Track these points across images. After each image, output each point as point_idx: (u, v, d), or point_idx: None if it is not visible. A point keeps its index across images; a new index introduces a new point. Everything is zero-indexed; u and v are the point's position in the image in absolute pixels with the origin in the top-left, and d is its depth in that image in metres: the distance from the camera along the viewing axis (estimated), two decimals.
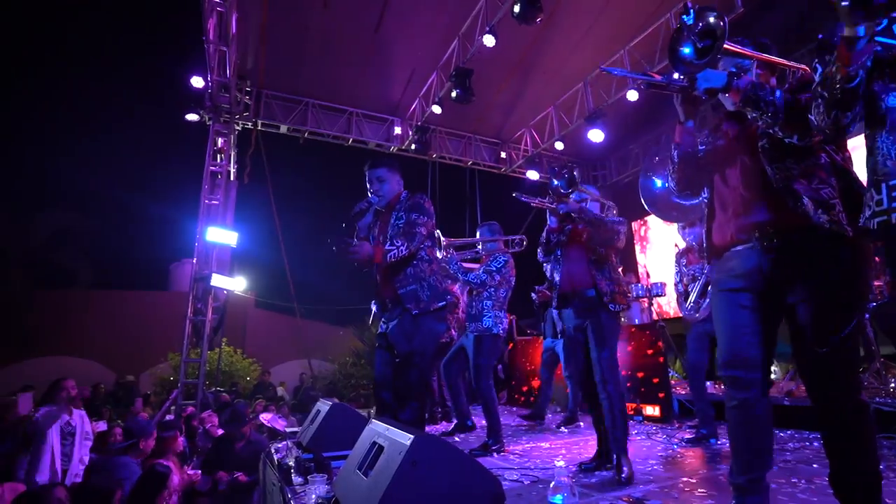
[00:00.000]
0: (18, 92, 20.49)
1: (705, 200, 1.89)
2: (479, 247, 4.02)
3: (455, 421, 4.49)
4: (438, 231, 3.70)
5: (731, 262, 1.72)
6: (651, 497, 2.18)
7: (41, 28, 19.92)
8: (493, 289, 3.73)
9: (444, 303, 2.77)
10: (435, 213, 2.92)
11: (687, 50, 1.56)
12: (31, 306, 12.71)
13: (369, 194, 2.87)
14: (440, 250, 3.65)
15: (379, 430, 1.96)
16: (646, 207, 3.19)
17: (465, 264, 4.60)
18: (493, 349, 3.70)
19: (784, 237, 1.59)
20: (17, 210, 13.21)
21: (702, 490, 2.28)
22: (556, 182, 2.89)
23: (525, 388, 6.95)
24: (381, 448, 1.79)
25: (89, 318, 13.36)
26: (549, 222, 3.06)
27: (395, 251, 2.63)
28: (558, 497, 1.23)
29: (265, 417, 6.03)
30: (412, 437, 1.58)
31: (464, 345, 3.98)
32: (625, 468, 2.49)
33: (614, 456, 2.60)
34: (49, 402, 3.73)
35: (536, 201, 3.09)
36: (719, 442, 3.43)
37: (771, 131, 1.57)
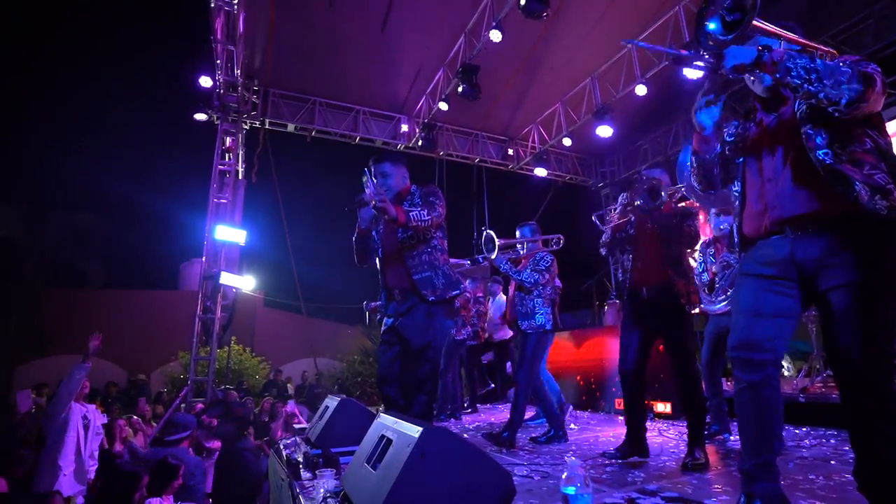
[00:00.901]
0: (31, 94, 20.76)
1: (736, 192, 1.84)
2: (520, 247, 4.04)
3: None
4: (492, 231, 3.75)
5: (762, 250, 1.69)
6: (665, 490, 2.15)
7: (51, 32, 20.16)
8: (541, 286, 3.76)
9: (458, 291, 2.75)
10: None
11: (713, 25, 1.50)
12: (45, 305, 12.84)
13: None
14: (494, 251, 3.69)
15: (387, 423, 1.93)
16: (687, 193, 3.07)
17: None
18: (544, 345, 3.75)
19: (823, 225, 1.54)
20: (31, 209, 13.34)
21: (716, 486, 2.24)
22: (639, 202, 2.87)
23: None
24: (389, 441, 1.77)
25: (101, 317, 13.47)
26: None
27: (417, 213, 2.56)
28: (571, 488, 1.20)
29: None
30: (421, 429, 1.56)
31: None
32: (698, 455, 2.56)
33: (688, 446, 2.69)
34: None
35: (611, 224, 3.08)
36: (733, 438, 3.38)
37: (814, 101, 1.48)
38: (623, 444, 2.90)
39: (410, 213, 2.54)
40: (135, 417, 5.64)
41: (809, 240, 1.56)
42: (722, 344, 3.59)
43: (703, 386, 3.65)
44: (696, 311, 2.84)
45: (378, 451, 1.81)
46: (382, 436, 1.86)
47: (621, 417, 5.00)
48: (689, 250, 2.96)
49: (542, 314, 3.67)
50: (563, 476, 1.24)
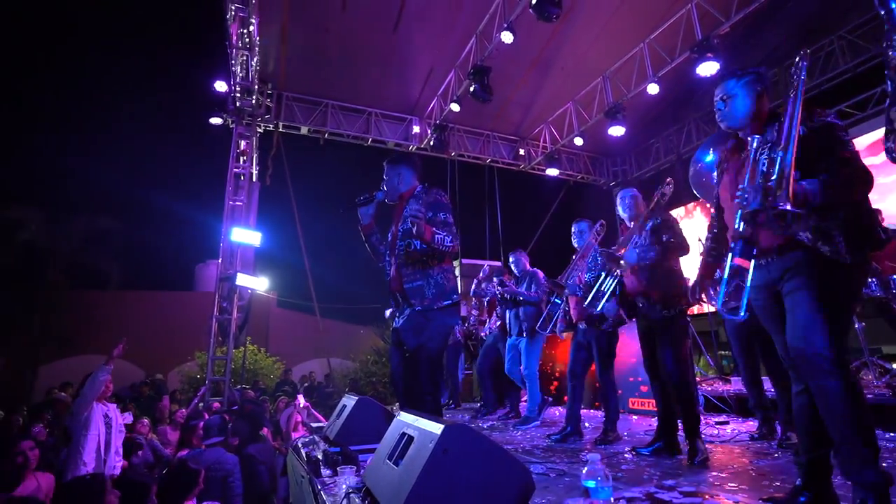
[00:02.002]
0: (51, 101, 21.21)
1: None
2: (575, 242, 4.10)
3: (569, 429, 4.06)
4: (540, 272, 4.06)
5: (756, 271, 1.85)
6: (682, 485, 2.17)
7: (68, 38, 20.57)
8: None
9: (449, 301, 2.74)
10: (453, 210, 2.93)
11: None
12: (67, 306, 13.11)
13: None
14: (565, 292, 3.93)
15: (408, 421, 1.99)
16: (694, 191, 3.15)
17: None
18: (616, 340, 3.86)
19: (782, 253, 1.77)
20: (53, 213, 13.67)
21: (732, 484, 2.26)
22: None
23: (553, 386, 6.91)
24: (410, 438, 1.82)
25: (121, 317, 13.74)
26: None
27: (442, 238, 2.63)
28: (591, 481, 1.23)
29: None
30: (443, 426, 1.60)
31: (581, 341, 3.98)
32: (700, 448, 2.69)
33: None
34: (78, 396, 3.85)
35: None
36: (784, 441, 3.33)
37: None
38: (652, 440, 3.01)
39: (436, 236, 2.61)
40: (182, 410, 5.76)
41: (775, 265, 1.79)
42: (752, 342, 3.50)
43: (746, 387, 3.61)
44: (689, 309, 2.93)
45: (400, 447, 1.86)
46: (404, 433, 1.91)
47: (635, 417, 5.05)
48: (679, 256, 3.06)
49: (612, 310, 3.77)
50: (584, 470, 1.28)
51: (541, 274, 4.89)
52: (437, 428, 1.63)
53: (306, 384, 11.50)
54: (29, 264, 13.02)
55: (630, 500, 1.98)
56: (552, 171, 10.79)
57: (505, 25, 6.71)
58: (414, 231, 2.56)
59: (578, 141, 9.81)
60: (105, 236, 14.05)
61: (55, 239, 13.43)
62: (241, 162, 8.78)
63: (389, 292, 2.86)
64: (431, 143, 9.71)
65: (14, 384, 12.06)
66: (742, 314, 1.71)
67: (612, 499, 1.21)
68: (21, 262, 12.92)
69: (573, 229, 4.13)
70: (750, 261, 1.72)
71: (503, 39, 6.77)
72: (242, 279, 7.94)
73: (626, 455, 3.03)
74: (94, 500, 2.61)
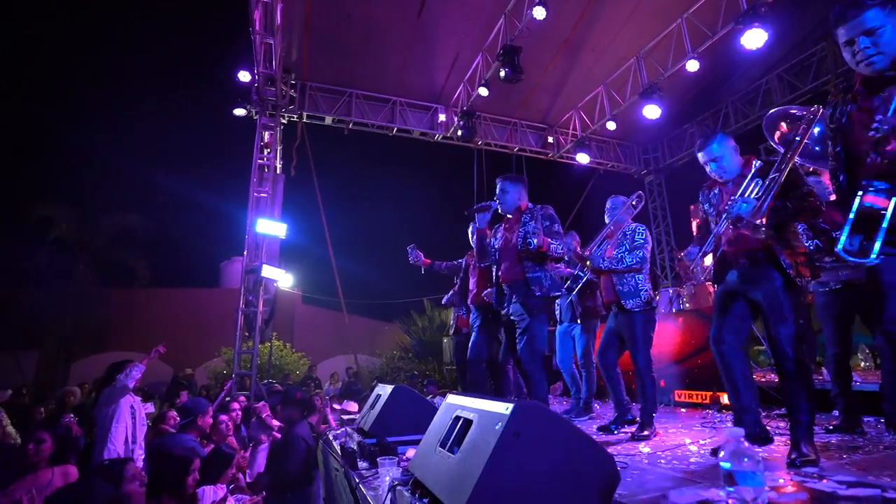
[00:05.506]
0: (79, 100, 21.69)
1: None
2: (607, 218, 3.84)
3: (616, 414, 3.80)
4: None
5: None
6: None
7: (88, 35, 20.96)
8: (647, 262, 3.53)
9: (558, 293, 3.45)
10: (483, 201, 3.63)
11: None
12: (97, 304, 13.27)
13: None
14: (586, 269, 3.95)
15: (461, 403, 1.75)
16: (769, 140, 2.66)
17: None
18: (654, 322, 3.48)
19: None
20: (82, 211, 13.83)
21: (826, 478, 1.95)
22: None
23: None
24: (468, 422, 1.58)
25: (149, 315, 13.88)
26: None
27: (555, 247, 3.31)
28: (732, 464, 0.96)
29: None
30: (512, 405, 1.35)
31: (613, 327, 3.60)
32: (806, 451, 2.12)
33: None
34: (107, 385, 3.73)
35: None
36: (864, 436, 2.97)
37: None
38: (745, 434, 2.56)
39: (551, 246, 3.25)
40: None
41: None
42: (847, 321, 3.06)
43: (834, 378, 3.12)
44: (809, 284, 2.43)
45: (455, 433, 1.62)
46: (458, 417, 1.68)
47: (684, 409, 4.71)
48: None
49: (645, 290, 3.39)
50: (721, 453, 1.01)
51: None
52: (504, 408, 1.38)
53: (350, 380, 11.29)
54: (60, 262, 13.22)
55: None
56: (582, 158, 10.40)
57: (537, 1, 6.40)
58: (535, 242, 3.17)
59: (611, 125, 9.41)
60: (132, 233, 14.19)
61: (85, 237, 13.61)
62: (266, 153, 8.66)
63: (495, 284, 3.49)
64: (458, 132, 9.44)
65: (47, 380, 12.25)
66: (874, 256, 1.46)
67: (766, 486, 0.94)
68: (52, 259, 13.12)
69: (607, 205, 3.84)
70: (890, 200, 1.41)
71: (535, 15, 6.46)
72: (268, 271, 7.82)
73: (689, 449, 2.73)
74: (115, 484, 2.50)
